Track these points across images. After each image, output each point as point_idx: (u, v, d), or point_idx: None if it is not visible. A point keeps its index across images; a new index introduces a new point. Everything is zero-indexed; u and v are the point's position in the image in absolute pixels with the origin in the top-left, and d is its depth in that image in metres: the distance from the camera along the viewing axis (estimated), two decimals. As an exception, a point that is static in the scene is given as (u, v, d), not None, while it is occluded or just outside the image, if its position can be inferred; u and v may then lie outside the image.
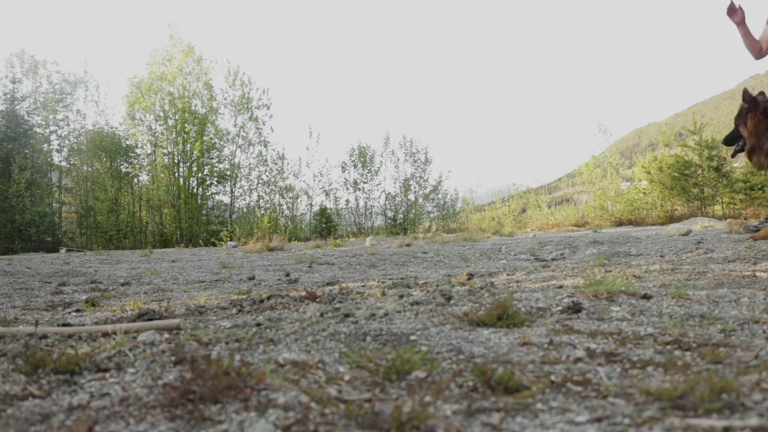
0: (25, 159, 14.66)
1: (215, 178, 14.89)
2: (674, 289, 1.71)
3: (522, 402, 0.84)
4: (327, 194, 15.15)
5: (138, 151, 15.14)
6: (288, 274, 3.22)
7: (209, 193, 15.11)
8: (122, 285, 2.95)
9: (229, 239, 11.02)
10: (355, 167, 15.28)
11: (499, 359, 1.08)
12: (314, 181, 15.17)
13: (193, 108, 14.49)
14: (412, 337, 1.24)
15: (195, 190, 14.72)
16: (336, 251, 5.82)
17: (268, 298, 1.97)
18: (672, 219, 11.74)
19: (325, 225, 13.53)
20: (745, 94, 4.20)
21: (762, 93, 4.20)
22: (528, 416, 0.79)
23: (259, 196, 15.42)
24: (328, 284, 2.67)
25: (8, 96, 15.08)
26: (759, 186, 10.84)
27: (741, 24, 4.15)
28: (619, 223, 12.43)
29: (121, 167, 14.98)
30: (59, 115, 15.34)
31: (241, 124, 15.22)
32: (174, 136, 14.42)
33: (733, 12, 4.23)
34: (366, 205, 15.26)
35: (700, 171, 12.06)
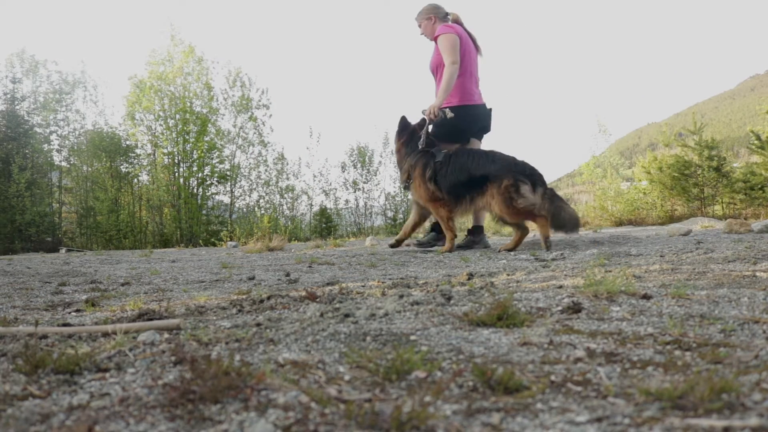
0: (25, 159, 14.65)
1: (216, 179, 14.89)
2: (674, 289, 1.71)
3: (522, 402, 0.84)
4: (327, 194, 15.14)
5: (138, 151, 15.14)
6: (288, 274, 3.22)
7: (209, 193, 15.11)
8: (122, 285, 2.95)
9: (229, 239, 11.01)
10: (354, 167, 15.27)
11: (499, 359, 1.08)
12: (314, 181, 15.17)
13: (193, 108, 14.49)
14: (412, 337, 1.24)
15: (195, 190, 14.71)
16: (336, 251, 5.82)
17: (268, 298, 1.97)
18: (672, 219, 11.73)
19: (325, 225, 13.53)
20: (400, 121, 4.80)
21: (423, 119, 4.76)
22: (528, 416, 0.79)
23: (259, 196, 15.42)
24: (328, 284, 2.67)
25: (8, 96, 15.07)
26: (759, 186, 10.83)
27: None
28: (619, 223, 12.43)
29: (121, 167, 14.97)
30: (59, 115, 15.34)
31: (240, 125, 15.22)
32: (174, 136, 14.42)
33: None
34: (366, 205, 15.25)
35: (700, 171, 12.05)
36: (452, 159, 4.33)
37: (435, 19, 4.76)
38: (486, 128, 4.87)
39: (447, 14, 4.81)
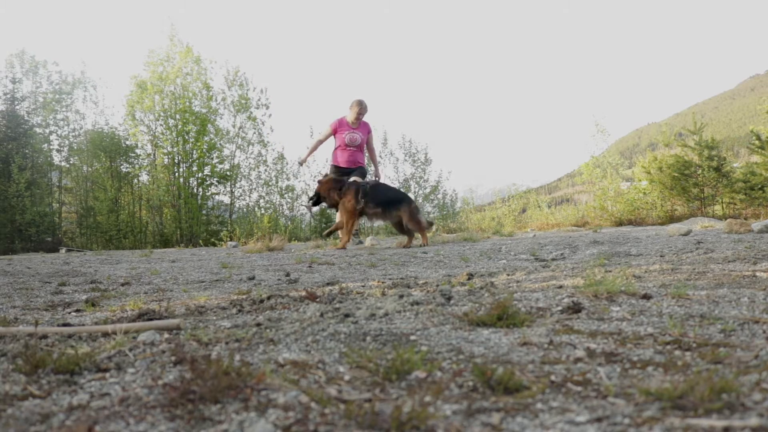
0: (25, 159, 14.65)
1: (215, 179, 14.88)
2: (674, 289, 1.71)
3: (522, 402, 0.84)
4: (327, 194, 15.13)
5: (138, 151, 15.14)
6: (288, 274, 3.22)
7: (209, 193, 15.10)
8: (122, 285, 2.95)
9: (229, 239, 11.01)
10: (354, 167, 15.25)
11: (499, 359, 1.08)
12: (314, 181, 15.16)
13: (193, 108, 14.49)
14: (412, 337, 1.24)
15: (195, 190, 14.70)
16: (336, 251, 5.81)
17: (268, 298, 1.97)
18: (672, 219, 11.73)
19: (325, 225, 13.53)
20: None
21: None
22: (528, 416, 0.79)
23: (259, 196, 15.41)
24: (328, 284, 2.67)
25: (8, 96, 15.07)
26: (759, 186, 10.83)
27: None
28: (619, 223, 12.42)
29: (121, 167, 14.98)
30: (59, 115, 15.34)
31: (240, 124, 15.22)
32: (174, 136, 14.42)
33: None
34: (366, 205, 15.23)
35: (700, 171, 12.05)
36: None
37: None
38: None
39: None
